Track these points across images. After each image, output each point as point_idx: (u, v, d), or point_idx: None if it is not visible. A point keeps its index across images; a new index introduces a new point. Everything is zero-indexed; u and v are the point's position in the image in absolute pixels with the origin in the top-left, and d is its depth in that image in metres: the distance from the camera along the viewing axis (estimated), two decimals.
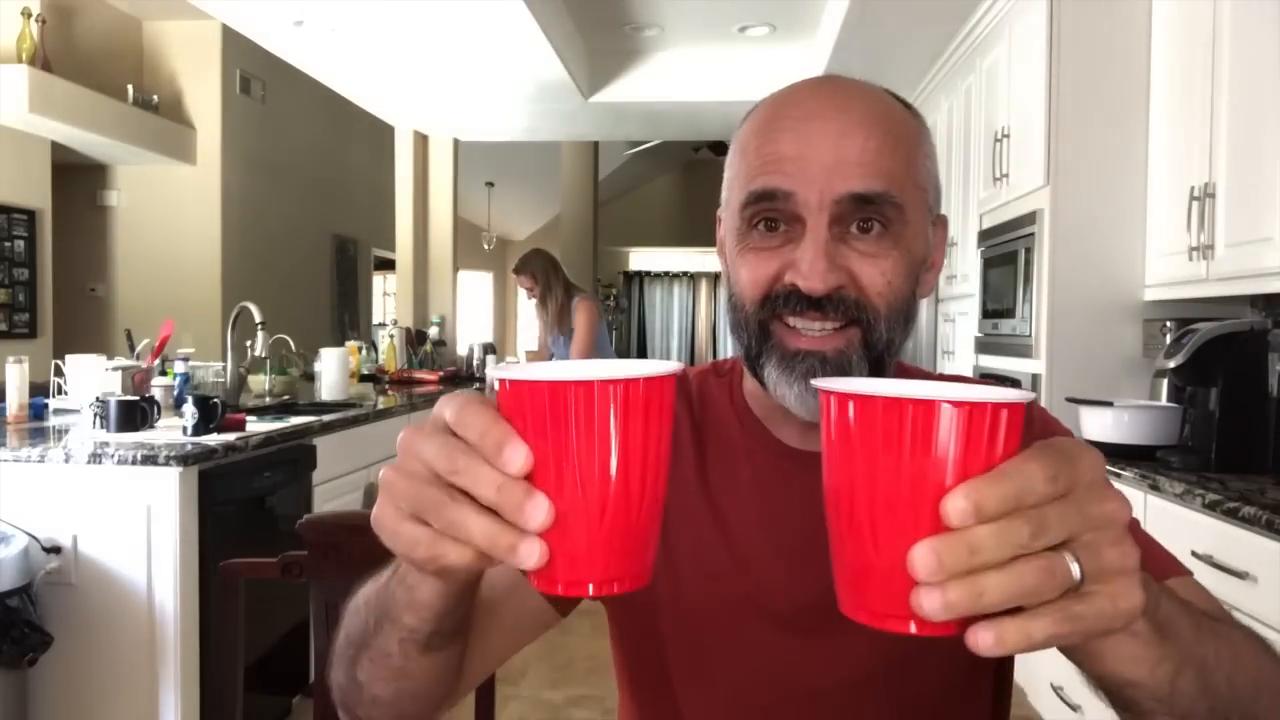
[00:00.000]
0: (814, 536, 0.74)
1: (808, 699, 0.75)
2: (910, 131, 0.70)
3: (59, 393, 2.89)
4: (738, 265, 0.71)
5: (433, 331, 5.57)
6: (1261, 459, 2.00)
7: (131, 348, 3.14)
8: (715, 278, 11.15)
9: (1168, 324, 2.50)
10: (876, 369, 0.69)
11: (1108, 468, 2.38)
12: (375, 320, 8.48)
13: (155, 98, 5.49)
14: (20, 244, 4.88)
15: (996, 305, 3.14)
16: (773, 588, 0.75)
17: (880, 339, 0.68)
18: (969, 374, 3.46)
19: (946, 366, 3.92)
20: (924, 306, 4.12)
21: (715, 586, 0.76)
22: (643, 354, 11.87)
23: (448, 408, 0.45)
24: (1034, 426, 0.78)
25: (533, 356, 4.45)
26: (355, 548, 1.22)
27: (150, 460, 2.15)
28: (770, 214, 0.68)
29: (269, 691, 2.59)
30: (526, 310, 4.26)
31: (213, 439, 2.33)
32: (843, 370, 0.67)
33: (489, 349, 5.44)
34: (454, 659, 0.65)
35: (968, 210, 3.58)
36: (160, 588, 2.17)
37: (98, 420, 2.39)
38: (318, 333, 6.80)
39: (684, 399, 0.82)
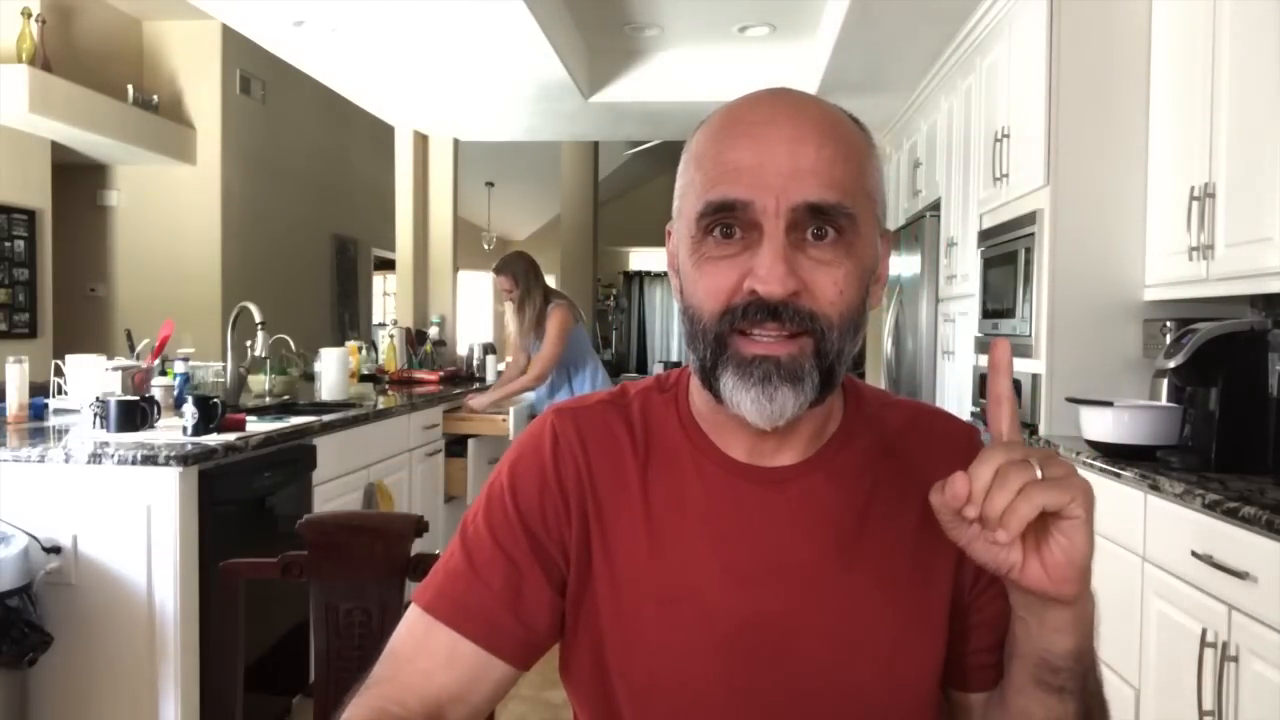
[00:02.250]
0: (765, 553, 0.75)
1: None
2: (860, 143, 0.72)
3: (59, 393, 2.89)
4: (695, 276, 0.71)
5: (433, 331, 5.57)
6: (1261, 459, 2.00)
7: (131, 348, 3.14)
8: None
9: (1168, 324, 2.50)
10: (828, 378, 0.70)
11: (1108, 468, 2.36)
12: (375, 320, 8.49)
13: (155, 98, 5.50)
14: (20, 244, 4.88)
15: (996, 305, 3.14)
16: (723, 611, 0.74)
17: (832, 348, 0.69)
18: (968, 373, 3.46)
19: (946, 367, 3.92)
20: (923, 307, 4.12)
21: (663, 613, 0.74)
22: (642, 353, 11.87)
23: None
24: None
25: (508, 368, 4.20)
26: (355, 548, 1.22)
27: (150, 460, 2.16)
28: (727, 221, 0.69)
29: (269, 691, 2.59)
30: None
31: (213, 439, 2.33)
32: (796, 376, 0.68)
33: (489, 349, 5.43)
34: None
35: (968, 210, 3.57)
36: (160, 588, 2.17)
37: (98, 420, 2.39)
38: (318, 333, 6.80)
39: (624, 421, 0.80)
